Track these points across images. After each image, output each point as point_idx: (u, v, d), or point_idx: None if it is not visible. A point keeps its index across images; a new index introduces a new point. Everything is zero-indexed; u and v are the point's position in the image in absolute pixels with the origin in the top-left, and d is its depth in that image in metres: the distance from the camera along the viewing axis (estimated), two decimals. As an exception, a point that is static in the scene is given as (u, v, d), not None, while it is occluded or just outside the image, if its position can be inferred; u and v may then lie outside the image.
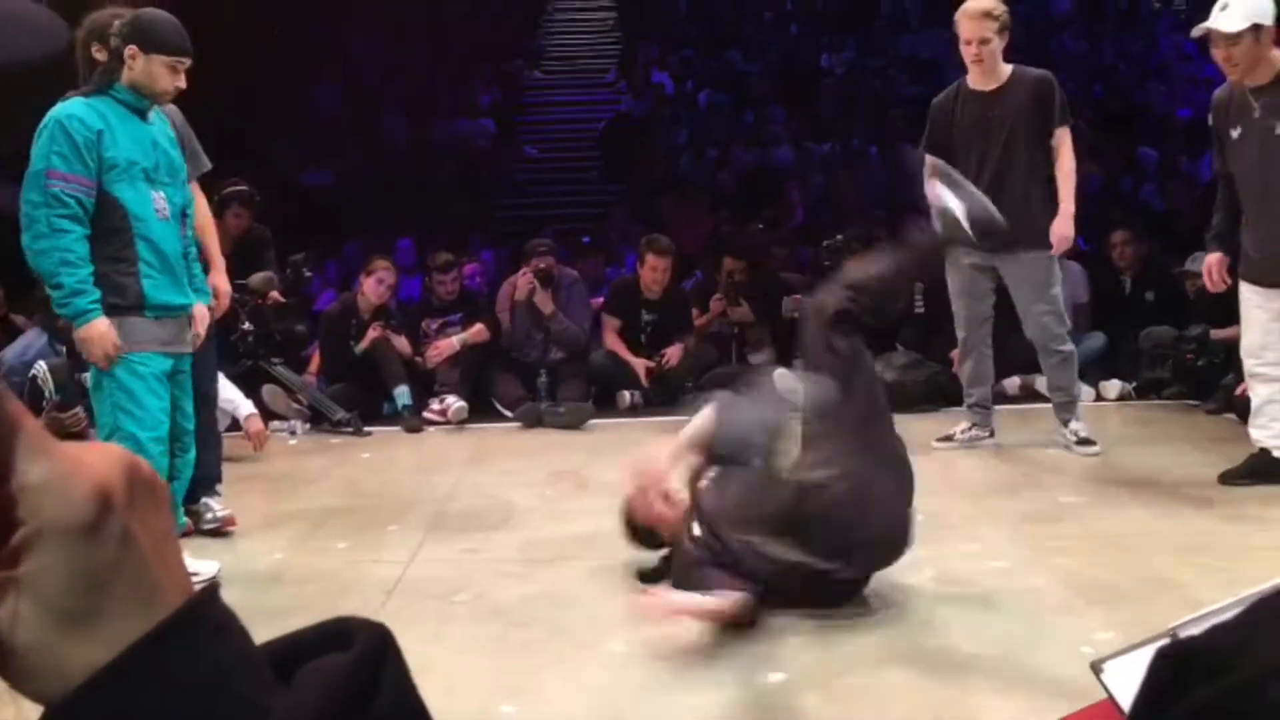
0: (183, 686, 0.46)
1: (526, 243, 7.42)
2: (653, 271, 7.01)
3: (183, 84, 3.66)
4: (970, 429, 5.49)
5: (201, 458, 4.17)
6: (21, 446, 0.45)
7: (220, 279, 4.35)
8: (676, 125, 12.14)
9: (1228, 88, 4.52)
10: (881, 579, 3.42)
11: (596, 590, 3.60)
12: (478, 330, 6.91)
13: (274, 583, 3.77)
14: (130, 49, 3.56)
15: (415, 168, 11.61)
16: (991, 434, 5.50)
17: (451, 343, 6.85)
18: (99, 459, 0.47)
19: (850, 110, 12.04)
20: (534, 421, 6.40)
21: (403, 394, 6.55)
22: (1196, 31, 4.42)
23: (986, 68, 5.15)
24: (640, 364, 6.97)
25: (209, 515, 4.38)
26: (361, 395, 6.59)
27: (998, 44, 5.09)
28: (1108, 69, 12.76)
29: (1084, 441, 5.19)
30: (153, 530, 0.48)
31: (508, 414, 6.60)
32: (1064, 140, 5.08)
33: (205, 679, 0.46)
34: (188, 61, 3.65)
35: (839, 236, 7.07)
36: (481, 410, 6.68)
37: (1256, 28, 4.22)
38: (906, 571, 3.50)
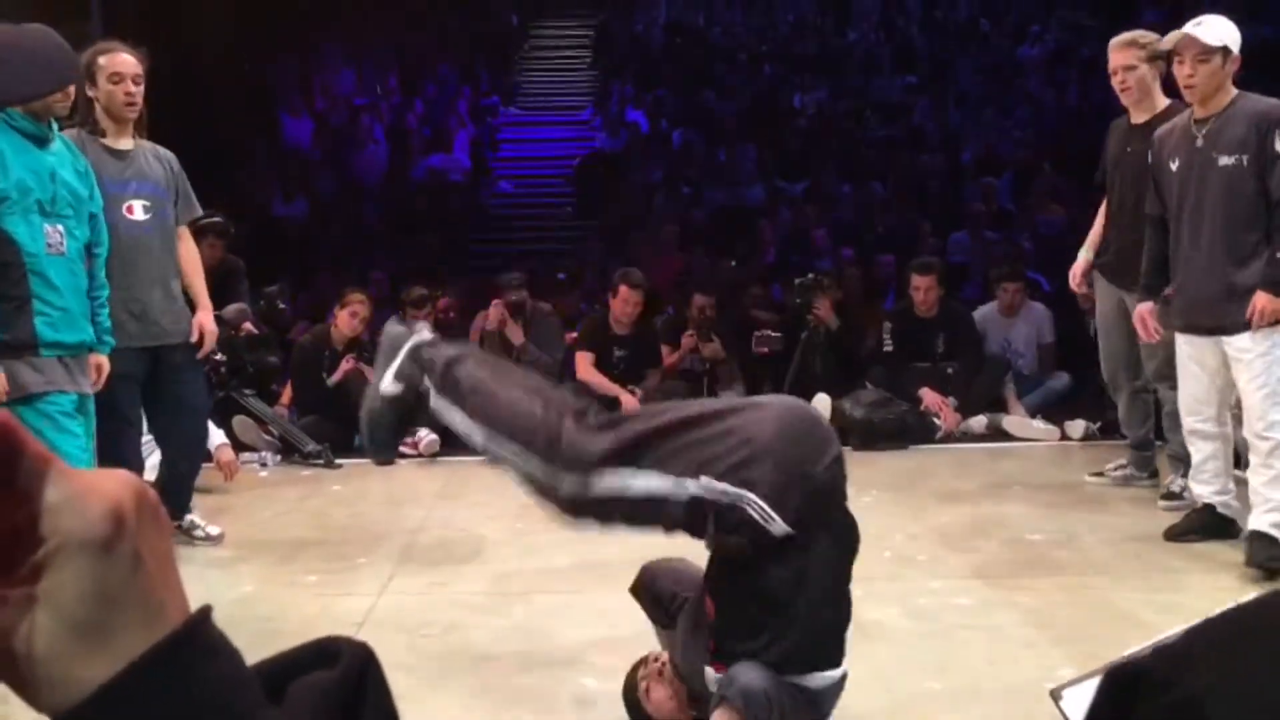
0: (182, 702, 0.48)
1: (498, 277, 7.46)
2: (624, 304, 7.04)
3: (67, 102, 3.71)
4: (1127, 466, 5.40)
5: (182, 470, 4.25)
6: (46, 471, 0.48)
7: (207, 318, 4.52)
8: (651, 162, 12.24)
9: (1166, 126, 4.43)
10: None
11: (567, 624, 3.61)
12: (450, 364, 6.91)
13: (243, 615, 3.75)
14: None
15: (389, 201, 11.64)
16: (1152, 475, 5.30)
17: (424, 376, 6.84)
18: (112, 482, 0.51)
19: (821, 150, 12.18)
20: (505, 455, 6.40)
21: (374, 427, 6.53)
22: (1168, 40, 4.30)
23: (1134, 98, 4.89)
24: (621, 392, 6.98)
25: (199, 533, 4.52)
26: (333, 427, 6.57)
27: (1146, 73, 4.81)
28: (1072, 113, 12.97)
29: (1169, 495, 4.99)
30: (157, 552, 0.51)
31: (479, 448, 6.59)
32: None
33: (204, 695, 0.49)
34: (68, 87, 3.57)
35: (810, 275, 7.15)
36: (453, 444, 6.66)
37: (1226, 51, 4.13)
38: (872, 607, 3.53)
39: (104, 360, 3.82)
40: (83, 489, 0.49)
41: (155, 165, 4.40)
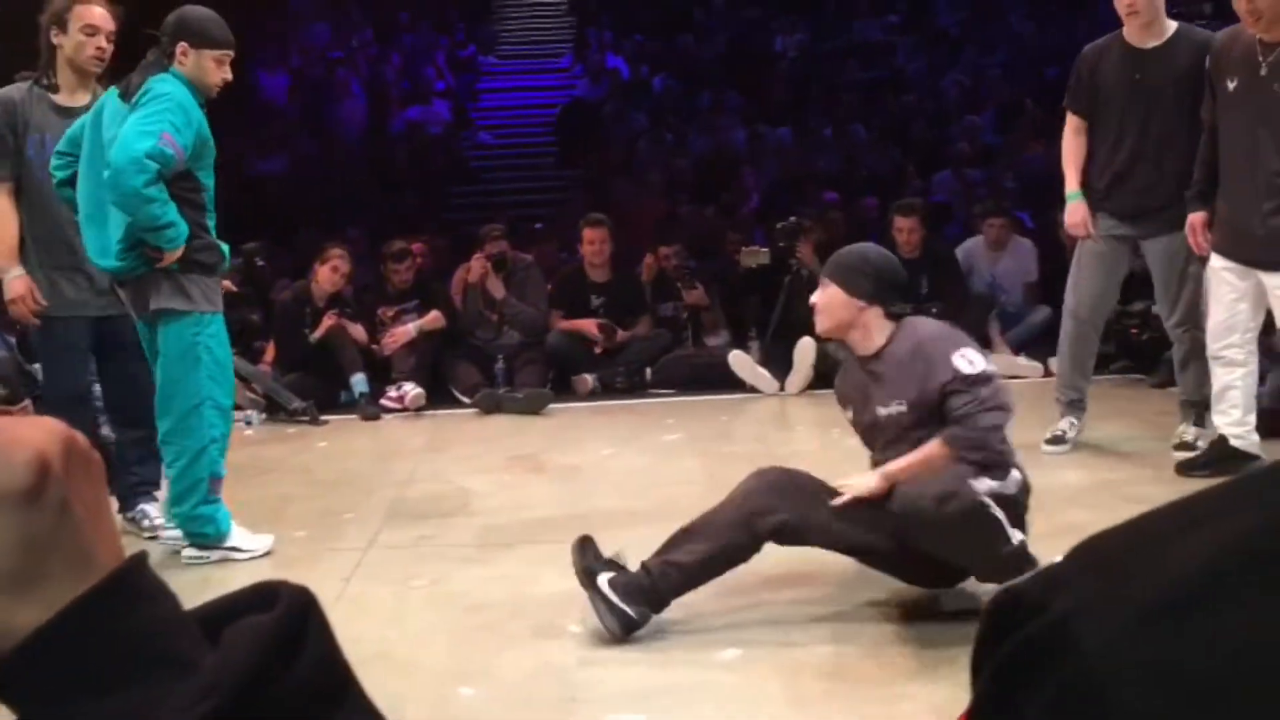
0: (117, 644, 0.48)
1: (480, 229, 7.42)
2: (591, 245, 6.99)
3: (229, 75, 3.82)
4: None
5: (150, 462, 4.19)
6: None
7: None
8: (633, 110, 12.14)
9: (1232, 34, 4.19)
10: (833, 582, 3.40)
11: (554, 574, 3.62)
12: (434, 317, 6.90)
13: (231, 572, 3.76)
14: (180, 45, 3.71)
15: (368, 155, 11.54)
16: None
17: (408, 330, 6.83)
18: (37, 430, 0.50)
19: (803, 94, 12.09)
20: (492, 407, 6.41)
21: (359, 382, 6.54)
22: None
23: (1142, 21, 4.54)
24: (590, 324, 6.95)
25: (145, 523, 4.21)
26: (317, 384, 6.57)
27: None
28: (1055, 49, 12.89)
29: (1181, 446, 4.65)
30: (87, 500, 0.51)
31: (465, 400, 6.60)
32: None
33: (138, 637, 0.49)
34: (231, 54, 3.82)
35: (792, 219, 7.12)
36: (439, 397, 6.68)
37: None
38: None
39: None
40: (5, 439, 0.48)
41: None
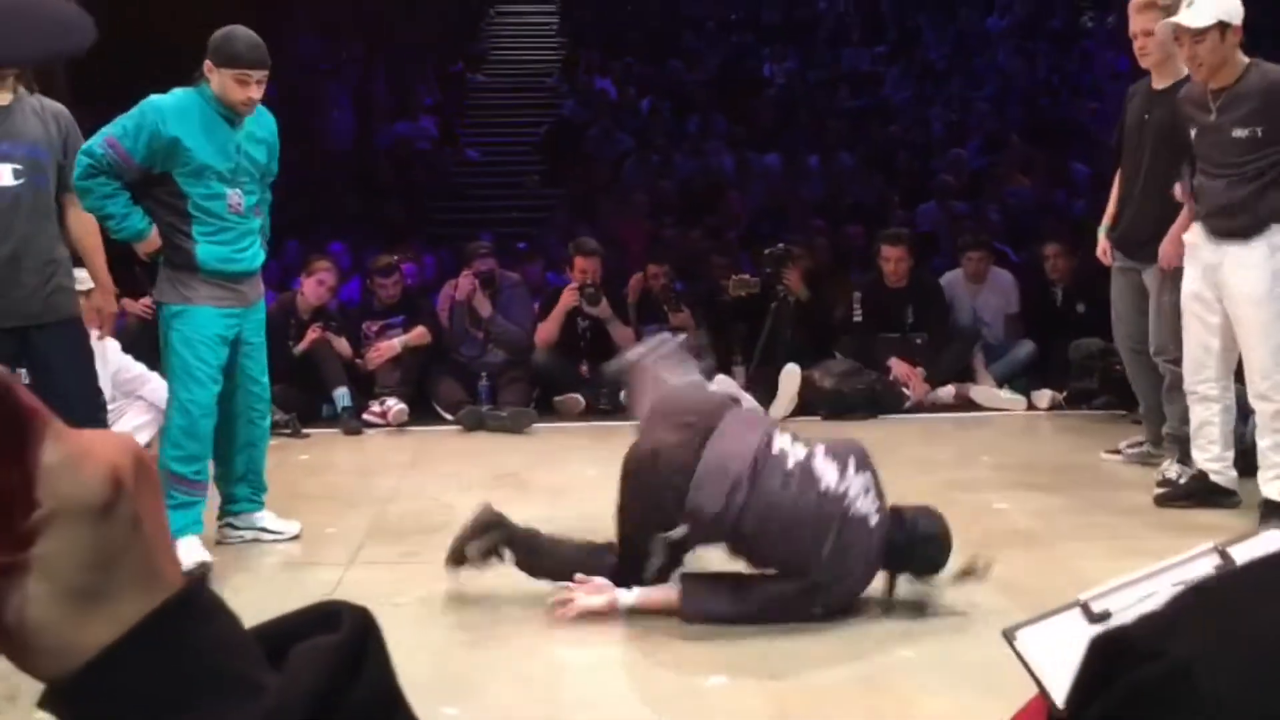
0: (185, 663, 0.47)
1: (466, 245, 7.40)
2: (582, 275, 6.98)
3: (255, 94, 3.94)
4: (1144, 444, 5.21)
5: None
6: (43, 433, 0.47)
7: (103, 299, 4.37)
8: (619, 131, 12.18)
9: (1192, 83, 4.36)
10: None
11: (538, 593, 3.61)
12: (419, 333, 6.87)
13: (213, 586, 3.72)
14: (206, 63, 3.92)
15: (354, 169, 11.52)
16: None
17: (393, 345, 6.81)
18: (109, 443, 0.49)
19: (791, 121, 12.15)
20: (475, 425, 6.39)
21: (343, 396, 6.50)
22: (1160, 27, 4.31)
23: (1154, 61, 4.71)
24: (569, 294, 6.86)
25: None
26: (300, 397, 6.53)
27: (1167, 36, 4.48)
28: (1041, 84, 13.02)
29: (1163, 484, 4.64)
30: (152, 515, 0.50)
31: (448, 417, 6.57)
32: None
33: (206, 657, 0.48)
34: (254, 73, 3.91)
35: (780, 245, 7.14)
36: (422, 413, 6.65)
37: (1223, 25, 4.06)
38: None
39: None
40: (80, 451, 0.48)
41: (34, 123, 3.97)
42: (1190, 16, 4.10)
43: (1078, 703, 0.42)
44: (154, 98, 3.93)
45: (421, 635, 3.30)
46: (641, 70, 13.60)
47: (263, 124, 4.19)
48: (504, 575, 3.81)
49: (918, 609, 3.44)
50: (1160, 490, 4.57)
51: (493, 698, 2.88)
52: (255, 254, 4.17)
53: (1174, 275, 4.55)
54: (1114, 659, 0.41)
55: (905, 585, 3.62)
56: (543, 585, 3.47)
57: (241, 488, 4.23)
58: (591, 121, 12.37)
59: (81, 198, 3.88)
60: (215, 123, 3.93)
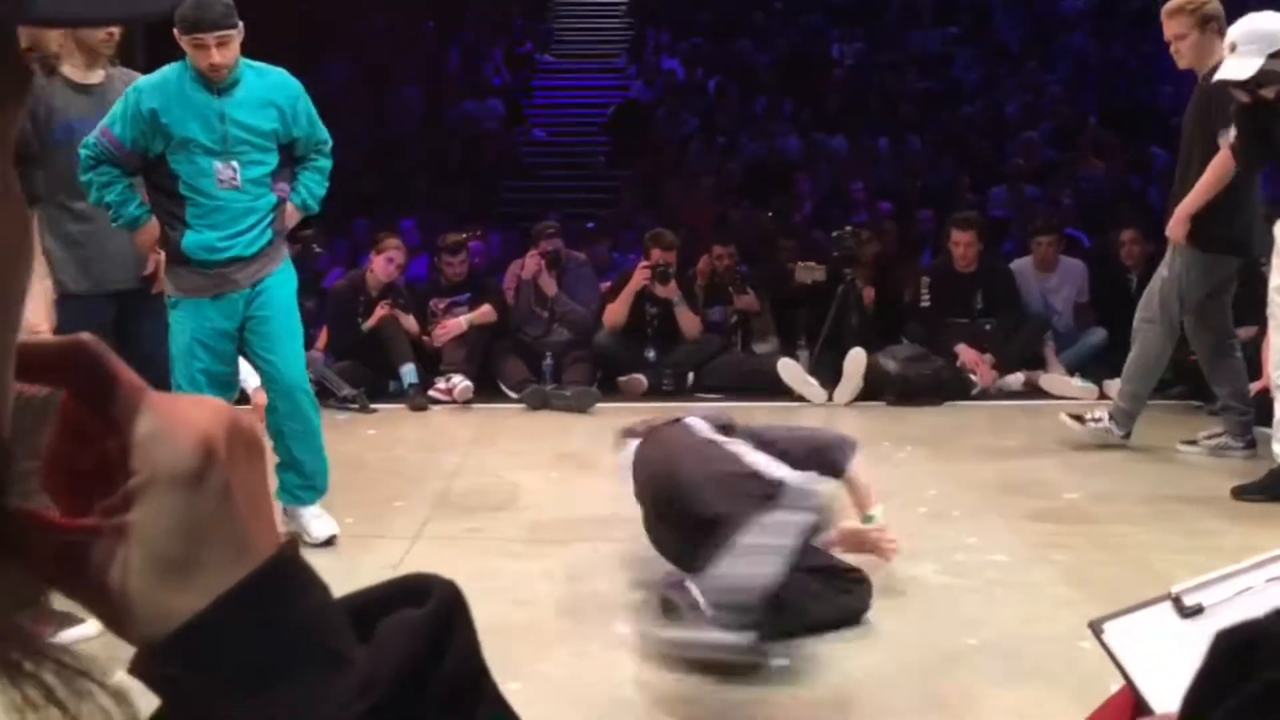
0: (273, 634, 0.47)
1: (533, 226, 7.42)
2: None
3: (218, 59, 3.71)
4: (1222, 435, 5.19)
5: None
6: (138, 402, 0.47)
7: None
8: (686, 112, 12.12)
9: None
10: (882, 571, 3.43)
11: (601, 572, 3.63)
12: (485, 311, 6.92)
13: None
14: (175, 32, 3.75)
15: (423, 147, 11.60)
16: (1249, 444, 5.02)
17: (459, 323, 6.86)
18: (203, 411, 0.49)
19: (859, 103, 12.02)
20: (539, 404, 6.42)
21: (409, 372, 6.57)
22: (1220, 75, 4.36)
23: (1187, 64, 4.86)
24: (641, 274, 6.86)
25: None
26: (368, 372, 6.61)
27: (1198, 38, 4.72)
28: (1117, 68, 12.73)
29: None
30: (247, 483, 0.50)
31: (512, 395, 6.61)
32: (1222, 145, 4.68)
33: (294, 628, 0.48)
34: (207, 36, 3.67)
35: (848, 228, 7.08)
36: (486, 391, 6.70)
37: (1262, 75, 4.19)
38: (907, 564, 3.53)
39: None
40: (174, 420, 0.48)
41: None
42: (1235, 69, 4.24)
43: (1201, 703, 0.41)
44: (155, 74, 3.82)
45: (484, 611, 3.26)
46: (709, 51, 13.51)
47: (270, 86, 3.95)
48: (567, 556, 3.83)
49: (982, 594, 3.41)
50: (1186, 450, 4.99)
51: (555, 675, 2.90)
52: (254, 237, 3.89)
53: (1175, 251, 4.85)
54: (1246, 656, 0.40)
55: (968, 573, 3.59)
56: (608, 565, 3.47)
57: (289, 475, 4.02)
58: (658, 102, 12.33)
59: (85, 192, 3.82)
60: (194, 92, 3.75)
